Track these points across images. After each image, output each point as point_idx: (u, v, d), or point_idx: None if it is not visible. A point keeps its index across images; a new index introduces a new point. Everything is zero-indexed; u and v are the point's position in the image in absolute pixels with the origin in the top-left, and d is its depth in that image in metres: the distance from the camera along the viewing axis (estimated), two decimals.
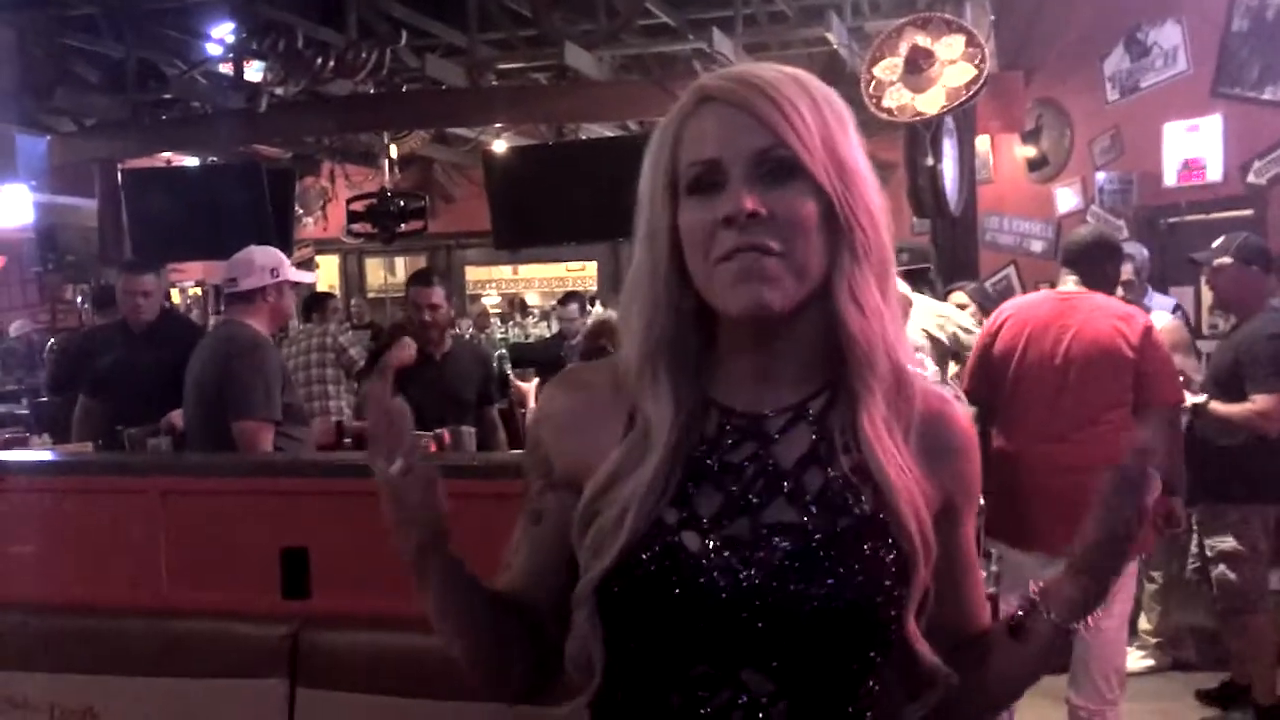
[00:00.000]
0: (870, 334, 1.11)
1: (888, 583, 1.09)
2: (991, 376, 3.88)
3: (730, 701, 1.08)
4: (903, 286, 4.95)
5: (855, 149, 1.12)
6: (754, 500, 1.11)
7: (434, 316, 4.57)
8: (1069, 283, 3.90)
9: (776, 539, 1.09)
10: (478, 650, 1.22)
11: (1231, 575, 4.21)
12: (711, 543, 1.09)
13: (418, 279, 4.93)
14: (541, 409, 1.28)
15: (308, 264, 11.21)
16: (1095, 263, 3.87)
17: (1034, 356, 3.80)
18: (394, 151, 9.55)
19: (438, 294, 4.61)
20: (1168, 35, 7.74)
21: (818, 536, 1.09)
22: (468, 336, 8.96)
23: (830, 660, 1.09)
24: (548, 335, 9.90)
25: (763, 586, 1.07)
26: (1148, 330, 3.72)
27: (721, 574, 1.08)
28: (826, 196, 1.08)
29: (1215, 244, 4.38)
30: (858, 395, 1.12)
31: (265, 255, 3.88)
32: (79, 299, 9.17)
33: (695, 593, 1.07)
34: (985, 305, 5.05)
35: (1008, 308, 4.08)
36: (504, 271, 14.03)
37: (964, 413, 1.24)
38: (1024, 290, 7.91)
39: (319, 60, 6.68)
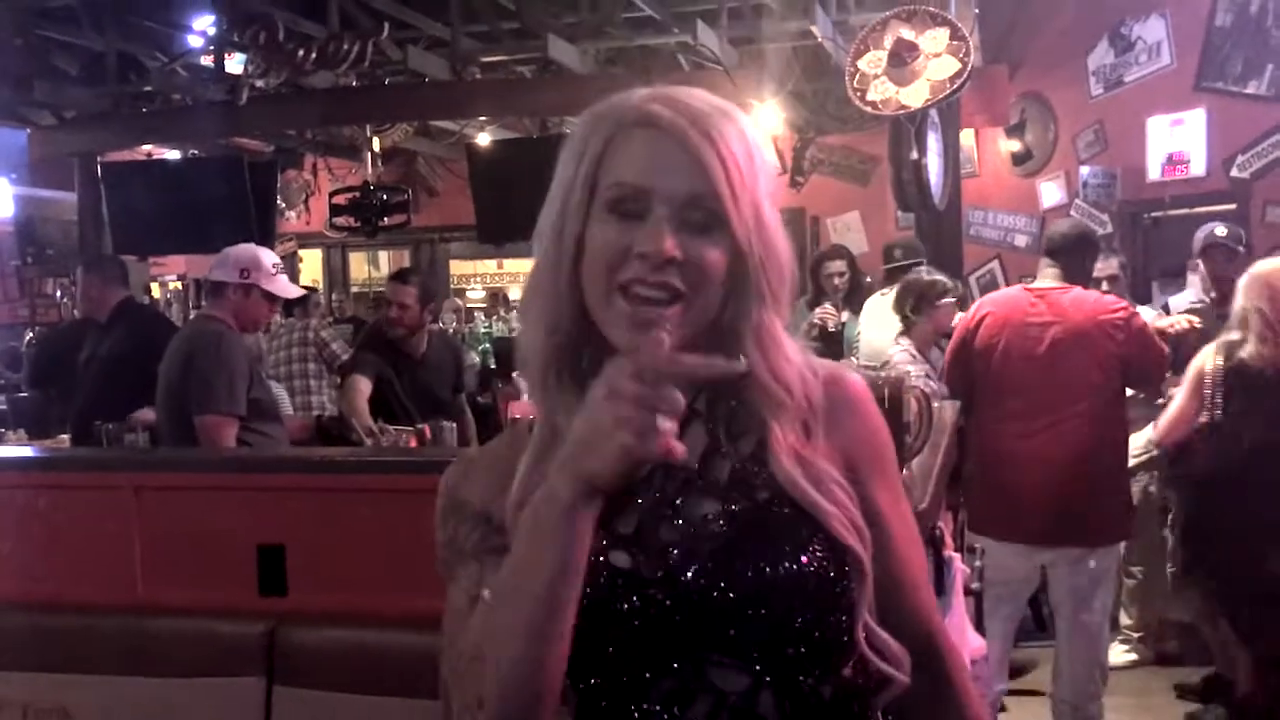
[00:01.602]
0: (784, 373, 1.13)
1: (817, 546, 1.09)
2: (970, 370, 3.90)
3: (713, 708, 1.06)
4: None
5: (771, 196, 1.13)
6: (671, 503, 1.11)
7: (400, 314, 4.61)
8: (1049, 275, 3.93)
9: (705, 529, 1.09)
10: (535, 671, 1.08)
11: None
12: (641, 556, 1.08)
13: (396, 276, 4.98)
14: (448, 482, 1.22)
15: (290, 258, 11.17)
16: (1077, 255, 3.91)
17: (1015, 350, 3.82)
18: (377, 145, 9.50)
19: (409, 294, 4.63)
20: (1152, 29, 7.75)
21: (742, 520, 1.10)
22: (451, 330, 8.92)
23: (793, 637, 1.08)
24: None
25: (702, 582, 1.07)
26: (1127, 320, 3.76)
27: (658, 585, 1.07)
28: (741, 251, 1.09)
29: (1223, 232, 4.37)
30: (767, 428, 1.12)
31: (241, 254, 3.82)
32: (58, 293, 9.09)
33: (640, 608, 1.06)
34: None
35: (986, 302, 4.12)
36: (488, 265, 13.97)
37: (858, 378, 1.24)
38: (1008, 285, 7.91)
39: (300, 52, 6.61)
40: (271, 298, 3.90)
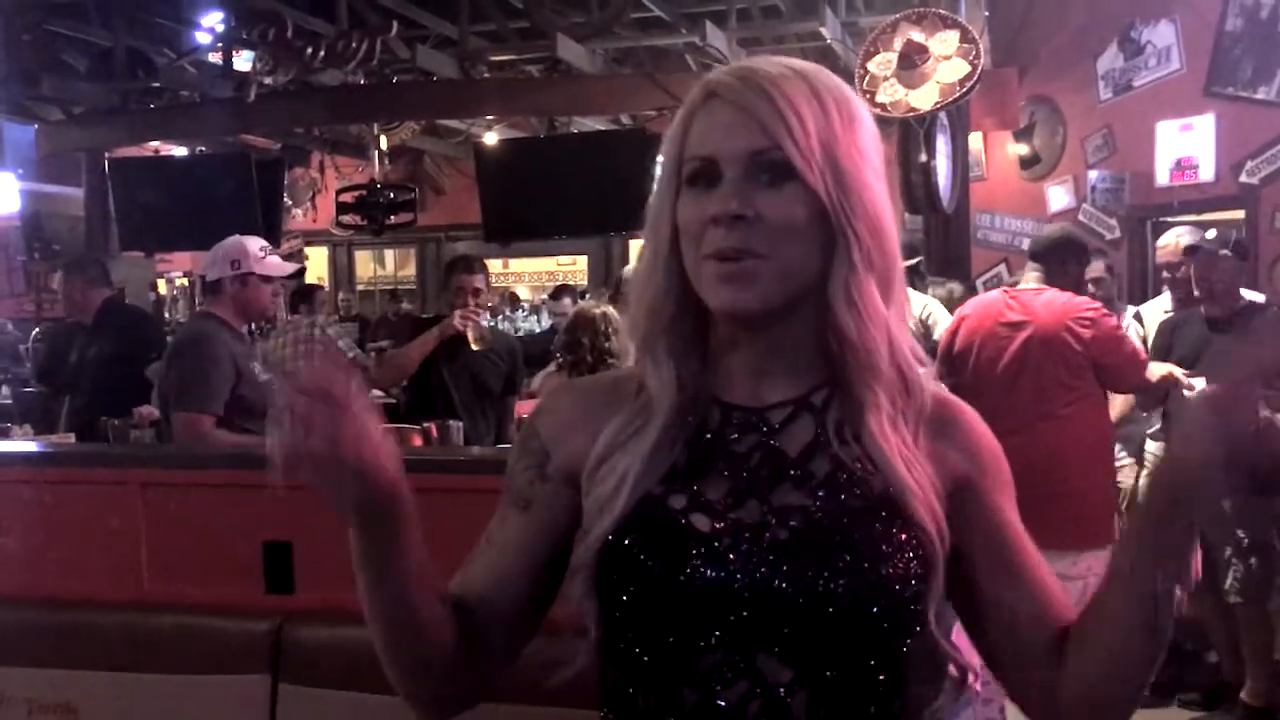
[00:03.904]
0: (870, 338, 1.11)
1: (902, 561, 1.08)
2: (953, 374, 3.94)
3: (748, 693, 1.07)
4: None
5: (861, 151, 1.12)
6: (761, 485, 1.12)
7: (479, 302, 4.48)
8: (1031, 278, 3.98)
9: (787, 520, 1.09)
10: (399, 646, 1.21)
11: (1261, 566, 4.16)
12: (721, 524, 1.09)
13: (462, 265, 4.74)
14: (542, 405, 1.30)
15: (296, 255, 11.17)
16: (1061, 260, 3.95)
17: (991, 353, 3.88)
18: (384, 143, 9.52)
19: (481, 280, 4.54)
20: (1161, 34, 7.73)
21: (828, 517, 1.09)
22: None
23: (848, 643, 1.08)
24: (537, 329, 9.86)
25: (774, 567, 1.07)
26: (1095, 320, 3.78)
27: (734, 555, 1.08)
28: (820, 201, 1.08)
29: (1210, 235, 4.40)
30: (862, 399, 1.12)
31: (229, 246, 3.80)
32: None
33: (707, 574, 1.07)
34: None
35: (966, 307, 4.17)
36: (494, 265, 13.92)
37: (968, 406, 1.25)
38: None
39: (309, 50, 6.64)
40: (269, 280, 3.86)
